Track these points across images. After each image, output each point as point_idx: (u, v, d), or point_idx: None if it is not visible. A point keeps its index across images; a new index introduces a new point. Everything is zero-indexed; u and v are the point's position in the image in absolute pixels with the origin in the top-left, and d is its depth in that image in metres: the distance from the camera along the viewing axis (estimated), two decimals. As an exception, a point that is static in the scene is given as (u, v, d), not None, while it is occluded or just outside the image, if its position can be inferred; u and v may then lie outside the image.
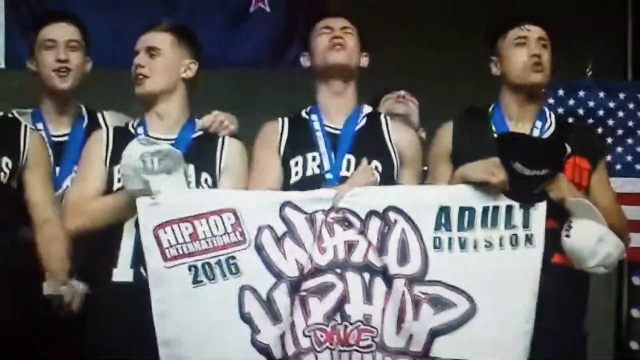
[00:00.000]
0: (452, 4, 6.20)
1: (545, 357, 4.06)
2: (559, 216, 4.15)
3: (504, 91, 4.41)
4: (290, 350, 3.69)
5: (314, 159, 4.14)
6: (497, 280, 4.04)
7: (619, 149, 5.87)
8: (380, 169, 4.16)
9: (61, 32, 4.45)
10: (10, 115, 4.48)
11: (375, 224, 3.83)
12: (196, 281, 3.78)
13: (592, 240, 4.13)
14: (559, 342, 4.17)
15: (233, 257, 3.75)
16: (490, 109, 4.46)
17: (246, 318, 3.74)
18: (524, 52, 4.30)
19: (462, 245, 3.95)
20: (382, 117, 4.40)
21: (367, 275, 3.80)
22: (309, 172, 4.11)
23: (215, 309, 3.77)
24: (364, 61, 4.37)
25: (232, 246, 3.76)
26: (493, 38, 4.42)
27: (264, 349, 3.72)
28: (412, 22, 6.06)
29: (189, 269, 3.78)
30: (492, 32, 4.41)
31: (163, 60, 4.02)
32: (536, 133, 4.37)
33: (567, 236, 4.14)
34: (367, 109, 4.37)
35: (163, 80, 4.03)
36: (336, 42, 4.20)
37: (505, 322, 4.02)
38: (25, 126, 4.27)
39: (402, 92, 5.14)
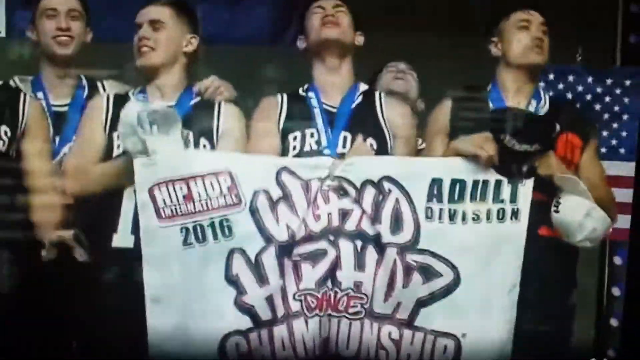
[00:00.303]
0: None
1: (532, 328, 4.16)
2: (548, 191, 4.24)
3: (502, 71, 4.54)
4: (280, 312, 3.76)
5: (312, 135, 4.23)
6: (482, 252, 4.15)
7: (605, 133, 5.97)
8: (375, 146, 4.23)
9: (62, 1, 4.47)
10: (11, 84, 4.51)
11: (370, 192, 3.91)
12: (186, 243, 3.82)
13: (579, 215, 4.25)
14: (546, 312, 4.28)
15: (227, 220, 3.80)
16: (488, 88, 4.55)
17: (232, 280, 3.79)
18: (526, 34, 4.43)
19: (452, 216, 4.02)
20: (376, 95, 4.47)
21: (359, 243, 3.89)
22: (306, 148, 4.20)
23: (202, 271, 3.81)
24: (359, 40, 4.44)
25: (226, 208, 3.80)
26: (495, 20, 4.52)
27: (247, 310, 3.77)
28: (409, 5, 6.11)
29: (181, 231, 3.82)
30: (495, 13, 4.49)
31: (166, 33, 4.08)
32: (531, 111, 4.46)
33: (556, 211, 4.25)
34: (362, 86, 4.46)
35: (166, 53, 4.10)
36: (328, 19, 4.29)
37: (489, 294, 4.12)
38: (25, 95, 4.32)
39: (401, 66, 5.19)
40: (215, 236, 3.80)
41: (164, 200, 3.79)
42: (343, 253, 3.86)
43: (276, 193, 3.83)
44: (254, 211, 3.82)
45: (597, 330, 5.21)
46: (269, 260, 3.78)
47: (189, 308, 3.78)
